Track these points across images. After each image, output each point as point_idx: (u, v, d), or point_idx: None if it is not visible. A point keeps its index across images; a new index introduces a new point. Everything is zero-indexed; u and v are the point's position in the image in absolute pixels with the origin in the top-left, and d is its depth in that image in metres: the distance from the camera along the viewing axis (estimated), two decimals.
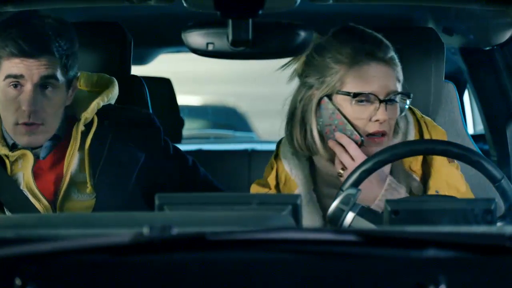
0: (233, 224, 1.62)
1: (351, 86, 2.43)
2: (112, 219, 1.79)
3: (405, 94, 2.47)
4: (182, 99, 5.96)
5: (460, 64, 3.47)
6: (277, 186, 2.57)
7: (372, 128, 2.44)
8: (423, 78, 2.87)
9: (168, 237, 1.47)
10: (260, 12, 2.01)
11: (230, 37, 2.07)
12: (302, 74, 2.51)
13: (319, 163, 2.55)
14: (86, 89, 2.73)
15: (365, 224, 2.09)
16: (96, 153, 2.61)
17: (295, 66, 2.53)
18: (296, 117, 2.51)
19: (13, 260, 1.47)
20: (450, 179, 2.48)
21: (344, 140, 2.43)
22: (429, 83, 2.87)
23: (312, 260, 1.50)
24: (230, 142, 5.54)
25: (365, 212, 2.11)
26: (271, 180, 2.57)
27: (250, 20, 2.04)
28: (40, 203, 2.58)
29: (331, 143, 2.45)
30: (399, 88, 2.46)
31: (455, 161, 2.50)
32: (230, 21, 2.05)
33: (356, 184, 2.25)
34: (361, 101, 2.42)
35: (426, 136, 2.55)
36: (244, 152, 3.91)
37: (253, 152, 3.90)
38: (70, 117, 2.67)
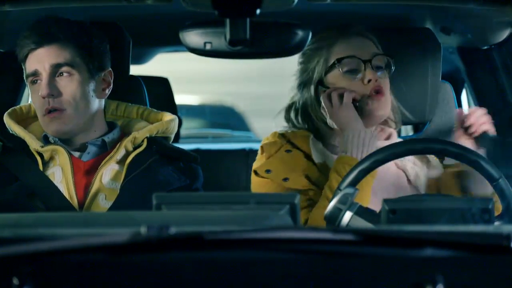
0: (231, 224, 1.62)
1: (335, 58, 2.63)
2: (110, 218, 1.79)
3: (386, 55, 2.65)
4: (180, 99, 5.96)
5: (458, 63, 3.47)
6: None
7: (368, 89, 2.60)
8: (419, 79, 2.87)
9: (165, 236, 1.47)
10: (258, 11, 2.01)
11: (228, 37, 2.07)
12: (295, 87, 2.74)
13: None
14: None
15: (363, 224, 2.09)
16: (134, 167, 2.66)
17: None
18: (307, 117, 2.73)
19: (11, 259, 1.47)
20: None
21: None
22: (425, 84, 2.88)
23: (309, 259, 1.50)
24: (228, 141, 5.53)
25: (362, 211, 2.12)
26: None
27: (248, 20, 2.04)
28: (71, 200, 2.62)
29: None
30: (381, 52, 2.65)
31: None
32: (227, 21, 2.05)
33: (354, 183, 2.26)
34: (350, 71, 2.61)
35: None
36: (242, 151, 3.91)
37: (251, 151, 3.90)
38: (124, 134, 2.76)
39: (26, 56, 2.67)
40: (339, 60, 2.61)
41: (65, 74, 2.64)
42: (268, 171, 2.64)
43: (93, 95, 2.69)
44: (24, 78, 2.71)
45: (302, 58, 2.72)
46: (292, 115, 2.75)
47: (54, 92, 2.62)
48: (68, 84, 2.64)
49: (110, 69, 2.77)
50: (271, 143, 2.72)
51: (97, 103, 2.71)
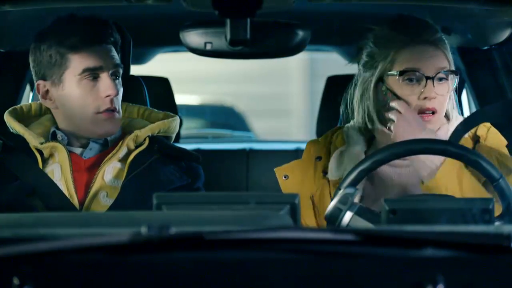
0: (231, 224, 1.62)
1: (399, 66, 2.56)
2: (110, 218, 1.79)
3: (453, 71, 2.58)
4: (180, 99, 5.96)
5: (458, 63, 3.47)
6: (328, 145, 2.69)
7: (422, 105, 2.55)
8: None
9: (166, 236, 1.47)
10: (258, 11, 2.01)
11: (228, 37, 2.07)
12: (360, 63, 2.66)
13: (380, 139, 2.64)
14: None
15: (363, 224, 2.09)
16: (136, 165, 2.66)
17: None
18: (357, 102, 2.66)
19: (11, 259, 1.47)
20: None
21: (396, 104, 2.55)
22: None
23: (310, 260, 1.50)
24: (228, 141, 5.54)
25: (363, 211, 2.12)
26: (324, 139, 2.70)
27: (248, 20, 2.05)
28: (71, 198, 2.62)
29: (389, 114, 2.56)
30: (448, 66, 2.58)
31: None
32: (228, 21, 2.05)
33: (354, 183, 2.25)
34: (410, 80, 2.55)
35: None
36: (242, 151, 3.92)
37: (251, 151, 3.90)
38: (125, 133, 2.76)
39: (77, 48, 2.61)
40: (401, 73, 2.54)
41: (118, 76, 2.66)
42: (285, 176, 2.65)
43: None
44: (71, 72, 2.62)
45: (371, 42, 2.62)
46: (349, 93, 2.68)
47: (117, 93, 2.64)
48: (119, 88, 2.66)
49: None
50: (313, 142, 2.71)
51: None
